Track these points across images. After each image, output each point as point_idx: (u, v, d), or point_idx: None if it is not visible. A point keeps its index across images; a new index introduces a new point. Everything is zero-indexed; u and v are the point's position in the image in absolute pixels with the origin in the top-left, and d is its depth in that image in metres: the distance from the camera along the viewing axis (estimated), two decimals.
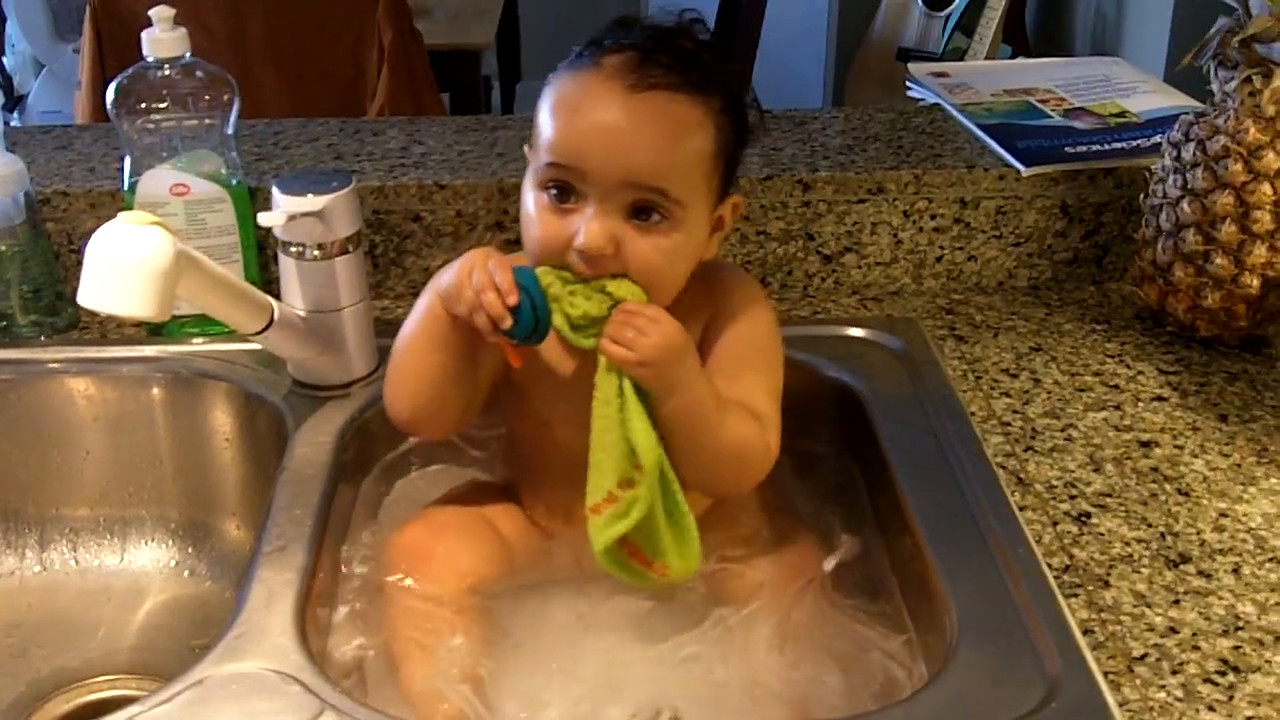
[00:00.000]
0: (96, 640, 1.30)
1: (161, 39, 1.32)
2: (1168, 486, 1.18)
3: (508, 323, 1.03)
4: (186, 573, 1.36)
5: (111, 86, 1.33)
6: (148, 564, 1.37)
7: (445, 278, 1.08)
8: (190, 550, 1.36)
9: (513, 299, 1.02)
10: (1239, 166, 1.32)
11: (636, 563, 1.07)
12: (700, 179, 1.06)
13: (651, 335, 1.02)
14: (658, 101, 1.03)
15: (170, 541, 1.37)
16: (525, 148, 1.13)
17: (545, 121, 1.06)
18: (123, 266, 1.04)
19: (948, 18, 3.80)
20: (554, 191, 1.05)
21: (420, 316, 1.12)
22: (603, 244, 1.03)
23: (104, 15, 2.71)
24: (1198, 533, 1.12)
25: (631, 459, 1.04)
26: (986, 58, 3.61)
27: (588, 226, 1.03)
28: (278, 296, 1.25)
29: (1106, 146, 1.53)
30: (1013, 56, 3.74)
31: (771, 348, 1.16)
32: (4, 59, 4.11)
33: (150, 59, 1.32)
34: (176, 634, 1.30)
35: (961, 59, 3.63)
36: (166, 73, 1.33)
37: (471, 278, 1.04)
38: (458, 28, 3.34)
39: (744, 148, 1.11)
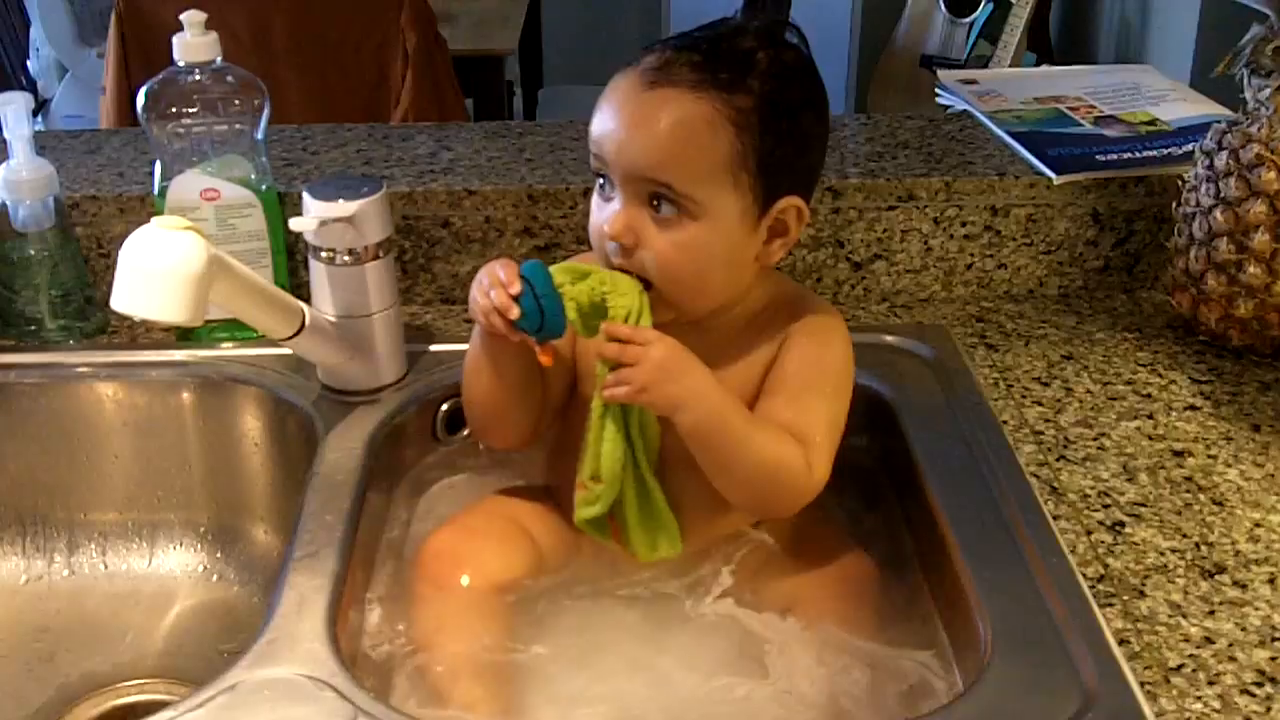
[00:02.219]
0: (125, 644, 1.30)
1: (193, 43, 1.31)
2: (1202, 496, 1.17)
3: (514, 312, 1.05)
4: (215, 577, 1.36)
5: (142, 91, 1.33)
6: (176, 568, 1.37)
7: None
8: (219, 555, 1.36)
9: (514, 288, 1.05)
10: (1273, 175, 1.31)
11: (612, 534, 1.13)
12: (719, 177, 1.06)
13: (644, 363, 1.05)
14: (664, 98, 1.06)
15: (198, 546, 1.37)
16: None
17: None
18: (157, 271, 1.04)
19: (972, 25, 3.79)
20: (600, 180, 1.10)
21: (472, 339, 1.17)
22: (618, 230, 1.07)
23: (129, 20, 2.72)
24: (1232, 543, 1.11)
25: (599, 464, 1.10)
26: (1010, 65, 3.60)
27: (611, 214, 1.08)
28: (307, 302, 1.25)
29: (1138, 155, 1.53)
30: (1037, 64, 3.73)
31: (840, 377, 1.16)
32: (28, 63, 4.12)
33: (181, 64, 1.32)
34: (204, 639, 1.30)
35: (985, 66, 3.62)
36: (197, 77, 1.33)
37: (482, 282, 1.08)
38: (481, 34, 3.35)
39: (795, 150, 1.10)
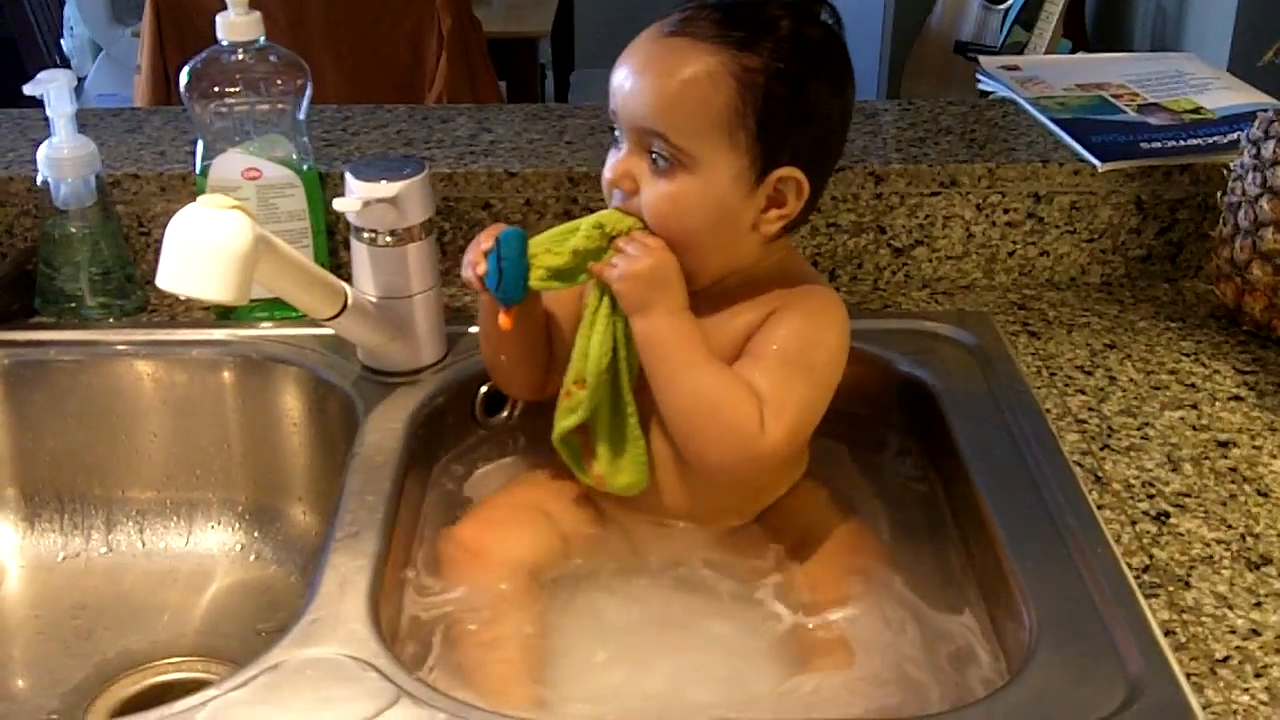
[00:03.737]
0: (162, 623, 1.30)
1: (236, 22, 1.31)
2: (1247, 487, 1.16)
3: (481, 268, 1.10)
4: (252, 556, 1.36)
5: (185, 69, 1.33)
6: (214, 547, 1.37)
7: None
8: (256, 534, 1.36)
9: (485, 245, 1.10)
10: None
11: (586, 459, 1.16)
12: (715, 132, 1.06)
13: (641, 260, 1.08)
14: (672, 47, 1.07)
15: (237, 525, 1.37)
16: None
17: None
18: (203, 250, 1.04)
19: (1007, 11, 3.76)
20: (615, 130, 1.11)
21: None
22: (617, 176, 1.10)
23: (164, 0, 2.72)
24: (1279, 534, 1.10)
25: (585, 364, 1.12)
26: (1046, 52, 3.57)
27: (613, 162, 1.11)
28: (347, 282, 1.25)
29: (1182, 143, 1.51)
30: (1073, 51, 3.71)
31: (826, 362, 1.14)
32: (62, 42, 4.13)
33: (224, 42, 1.32)
34: (242, 618, 1.30)
35: (1020, 53, 3.59)
36: (240, 56, 1.33)
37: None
38: (515, 16, 3.35)
39: (800, 119, 1.08)
